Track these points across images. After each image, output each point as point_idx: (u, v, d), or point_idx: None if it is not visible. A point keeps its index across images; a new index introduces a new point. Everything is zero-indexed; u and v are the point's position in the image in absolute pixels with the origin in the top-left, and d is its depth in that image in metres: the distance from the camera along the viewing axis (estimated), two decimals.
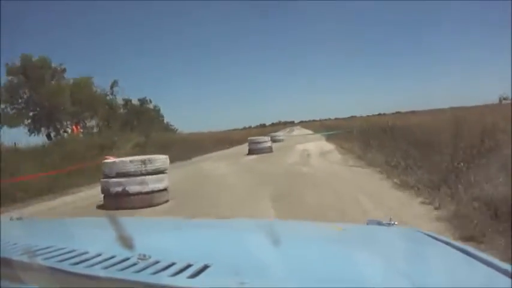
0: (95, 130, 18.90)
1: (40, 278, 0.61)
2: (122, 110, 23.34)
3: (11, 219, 1.16)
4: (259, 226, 0.93)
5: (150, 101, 25.72)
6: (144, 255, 0.64)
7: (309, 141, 19.95)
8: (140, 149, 13.94)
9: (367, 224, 1.10)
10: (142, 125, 21.11)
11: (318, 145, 17.38)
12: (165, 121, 27.12)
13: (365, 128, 15.78)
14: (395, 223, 1.03)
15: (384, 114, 30.46)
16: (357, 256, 0.73)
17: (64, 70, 18.34)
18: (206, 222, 1.46)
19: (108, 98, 21.79)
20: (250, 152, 15.05)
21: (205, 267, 0.59)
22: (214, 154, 16.53)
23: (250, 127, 60.63)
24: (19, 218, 1.17)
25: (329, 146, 16.38)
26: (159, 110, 26.45)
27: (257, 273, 0.58)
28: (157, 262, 0.62)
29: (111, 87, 22.10)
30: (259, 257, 0.65)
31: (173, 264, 0.61)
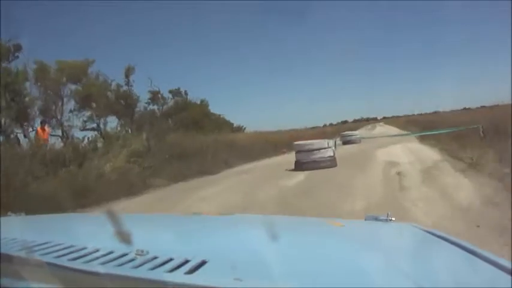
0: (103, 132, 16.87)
1: (38, 274, 0.73)
2: (150, 106, 21.63)
3: (9, 215, 1.33)
4: (258, 222, 1.09)
5: (186, 93, 23.78)
6: (142, 251, 0.76)
7: (394, 142, 16.90)
8: (141, 159, 11.32)
9: (365, 219, 1.24)
10: (183, 125, 19.77)
11: (410, 150, 13.65)
12: (226, 119, 26.11)
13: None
14: (393, 219, 1.17)
15: (469, 108, 31.90)
16: (355, 252, 0.86)
17: (18, 48, 15.33)
18: (204, 217, 1.57)
19: (122, 89, 19.64)
20: (298, 166, 11.85)
21: (203, 263, 0.71)
22: (250, 166, 14.43)
23: (331, 124, 58.02)
24: (18, 214, 1.34)
25: (430, 153, 12.55)
26: (206, 105, 24.72)
27: (255, 270, 0.70)
28: (155, 258, 0.74)
29: (126, 76, 19.66)
30: (257, 253, 0.77)
31: (171, 260, 0.73)
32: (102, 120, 18.15)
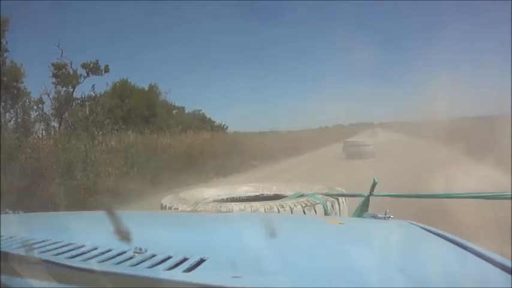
0: None
1: (36, 272, 0.73)
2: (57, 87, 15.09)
3: (7, 212, 1.34)
4: (256, 220, 1.13)
5: (128, 81, 18.87)
6: (141, 249, 0.77)
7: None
8: None
9: (364, 217, 1.27)
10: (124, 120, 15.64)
11: None
12: (205, 115, 23.11)
13: None
14: (392, 216, 1.20)
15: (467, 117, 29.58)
16: (353, 250, 0.87)
17: None
18: (203, 215, 1.58)
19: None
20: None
21: (202, 260, 0.72)
22: None
23: (326, 127, 57.09)
24: (16, 212, 1.35)
25: None
26: (157, 92, 20.01)
27: (253, 267, 0.71)
28: (153, 256, 0.75)
29: None
30: (256, 250, 0.78)
31: (169, 257, 0.74)
32: None
